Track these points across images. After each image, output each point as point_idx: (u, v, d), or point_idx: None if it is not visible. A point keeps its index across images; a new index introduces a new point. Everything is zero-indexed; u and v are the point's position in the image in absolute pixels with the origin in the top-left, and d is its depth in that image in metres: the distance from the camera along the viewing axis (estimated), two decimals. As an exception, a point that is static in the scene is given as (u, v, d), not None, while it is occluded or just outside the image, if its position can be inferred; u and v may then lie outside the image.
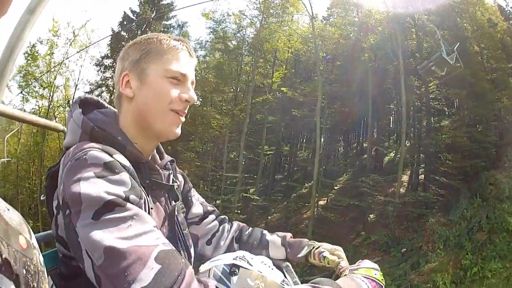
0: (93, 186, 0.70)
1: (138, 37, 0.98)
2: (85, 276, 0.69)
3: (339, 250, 1.13)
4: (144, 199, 0.83)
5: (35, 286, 0.45)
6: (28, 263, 0.44)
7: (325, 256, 1.09)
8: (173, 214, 0.97)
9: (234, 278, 0.85)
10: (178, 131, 0.96)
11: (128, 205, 0.71)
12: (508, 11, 25.71)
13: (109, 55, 22.96)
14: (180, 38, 0.99)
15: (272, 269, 0.92)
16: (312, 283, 0.80)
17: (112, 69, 22.11)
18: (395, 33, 17.42)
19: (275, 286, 0.86)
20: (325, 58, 22.95)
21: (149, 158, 0.98)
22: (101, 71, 23.25)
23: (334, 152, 25.84)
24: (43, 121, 1.65)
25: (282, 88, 20.16)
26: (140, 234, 0.69)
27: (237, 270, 0.86)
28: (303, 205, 21.28)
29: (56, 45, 22.14)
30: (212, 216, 1.24)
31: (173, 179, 1.04)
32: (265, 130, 21.11)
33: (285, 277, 1.01)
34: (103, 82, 23.51)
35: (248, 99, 19.65)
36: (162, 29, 22.54)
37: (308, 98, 18.94)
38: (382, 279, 0.94)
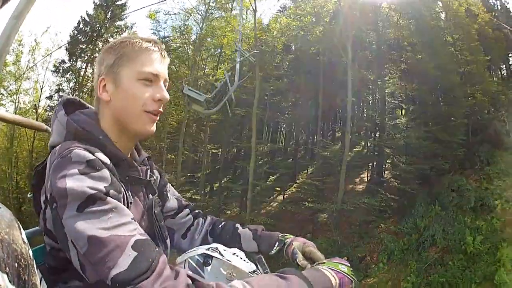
0: (77, 182, 0.71)
1: (113, 41, 0.95)
2: (72, 268, 0.71)
3: (311, 246, 1.04)
4: (124, 194, 0.84)
5: (26, 278, 0.45)
6: (19, 257, 0.45)
7: (296, 259, 1.02)
8: (151, 207, 0.97)
9: (208, 268, 0.83)
10: (153, 128, 0.94)
11: (109, 199, 0.72)
12: (492, 3, 22.30)
13: (65, 60, 21.17)
14: (152, 38, 0.95)
15: (244, 260, 0.89)
16: (278, 272, 0.78)
17: (70, 72, 20.99)
18: (345, 24, 14.31)
19: (246, 276, 0.84)
20: (288, 51, 19.87)
21: (128, 156, 0.98)
22: (59, 76, 21.20)
23: (296, 147, 22.35)
24: (27, 120, 1.60)
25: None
26: (119, 225, 0.70)
27: (210, 260, 0.84)
28: (260, 200, 18.30)
29: (21, 52, 20.77)
30: (186, 210, 1.19)
31: (150, 174, 1.03)
32: (208, 129, 18.28)
33: (257, 268, 0.95)
34: (66, 86, 21.39)
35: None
36: (115, 30, 21.05)
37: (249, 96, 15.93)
38: (351, 273, 0.87)
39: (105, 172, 0.76)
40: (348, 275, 0.84)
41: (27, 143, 21.39)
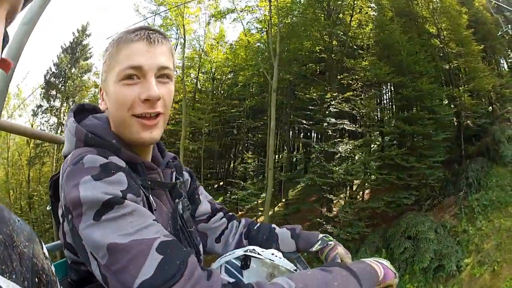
0: (91, 189, 0.61)
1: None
2: (95, 280, 0.62)
3: (349, 258, 0.93)
4: (144, 198, 0.71)
5: None
6: (40, 272, 0.39)
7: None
8: (175, 211, 0.80)
9: (247, 271, 0.74)
10: (150, 135, 0.73)
11: (126, 202, 0.61)
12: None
13: (41, 104, 21.06)
14: (138, 27, 0.73)
15: (283, 260, 0.79)
16: (321, 267, 0.68)
17: (48, 114, 20.92)
18: (274, 38, 11.21)
19: (288, 273, 0.74)
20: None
21: (149, 159, 0.82)
22: (40, 118, 21.27)
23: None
24: (45, 134, 1.46)
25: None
26: (141, 229, 0.60)
27: (248, 262, 0.75)
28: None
29: (9, 96, 20.97)
30: (220, 214, 1.01)
31: (176, 176, 0.86)
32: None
33: (297, 268, 0.83)
34: (47, 126, 21.67)
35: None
36: (81, 69, 20.71)
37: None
38: (393, 268, 0.78)
39: (121, 176, 0.64)
40: (391, 269, 0.77)
41: (24, 175, 21.70)
